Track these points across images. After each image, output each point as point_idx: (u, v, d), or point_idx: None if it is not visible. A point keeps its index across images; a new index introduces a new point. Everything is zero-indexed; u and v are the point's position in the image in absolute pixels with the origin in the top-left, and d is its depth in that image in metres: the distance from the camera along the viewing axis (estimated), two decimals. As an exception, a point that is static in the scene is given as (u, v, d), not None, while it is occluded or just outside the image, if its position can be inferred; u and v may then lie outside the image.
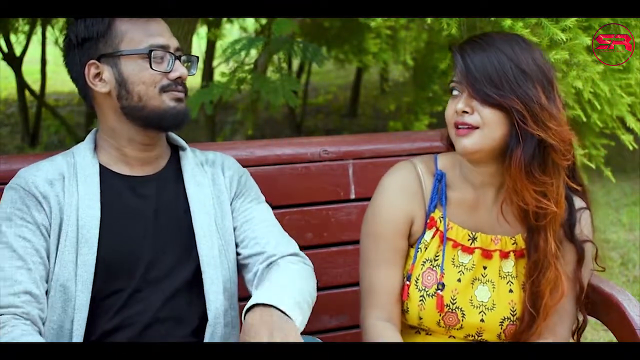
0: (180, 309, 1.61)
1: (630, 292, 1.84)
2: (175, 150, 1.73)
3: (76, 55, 1.62)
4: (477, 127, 1.56)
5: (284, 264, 1.62)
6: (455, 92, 1.61)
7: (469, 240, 1.68)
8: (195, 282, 1.63)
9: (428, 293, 1.66)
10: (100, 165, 1.64)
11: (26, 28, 6.04)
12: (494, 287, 1.67)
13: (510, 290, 1.68)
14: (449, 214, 1.69)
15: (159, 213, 1.63)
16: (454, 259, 1.68)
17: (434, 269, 1.67)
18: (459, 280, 1.67)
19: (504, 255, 1.69)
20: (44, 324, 1.51)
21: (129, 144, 1.63)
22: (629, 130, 2.39)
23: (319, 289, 2.03)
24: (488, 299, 1.67)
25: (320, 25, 5.38)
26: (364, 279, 1.71)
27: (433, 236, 1.68)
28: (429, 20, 2.07)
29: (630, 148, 2.45)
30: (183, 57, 1.65)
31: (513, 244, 1.69)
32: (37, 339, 1.43)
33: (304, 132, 7.43)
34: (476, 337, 1.69)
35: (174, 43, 1.62)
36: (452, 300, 1.66)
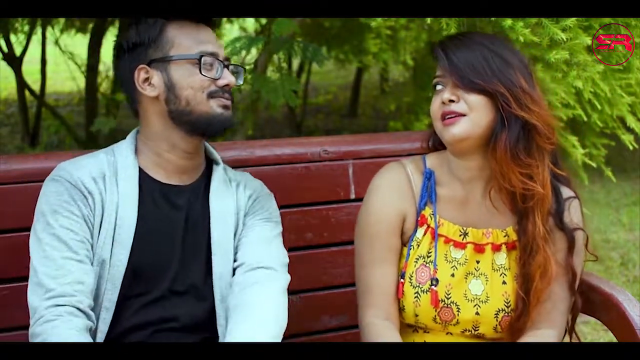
0: (198, 318, 1.62)
1: (630, 292, 1.84)
2: (210, 164, 1.74)
3: (126, 60, 1.65)
4: (464, 115, 1.60)
5: (254, 290, 1.59)
6: (439, 87, 1.66)
7: (460, 235, 1.70)
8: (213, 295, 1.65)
9: (422, 289, 1.67)
10: (139, 168, 1.65)
11: (26, 28, 6.04)
12: (487, 280, 1.69)
13: (504, 282, 1.69)
14: (440, 211, 1.71)
15: (188, 225, 1.65)
16: (446, 254, 1.69)
17: (427, 265, 1.68)
18: (453, 275, 1.68)
19: (496, 248, 1.70)
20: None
21: (172, 150, 1.65)
22: (629, 130, 2.39)
23: (319, 289, 2.05)
24: (482, 292, 1.68)
25: (320, 25, 5.38)
26: (360, 280, 1.72)
27: (425, 233, 1.70)
28: (428, 20, 2.07)
29: (631, 148, 2.45)
30: (231, 67, 1.68)
31: (504, 236, 1.71)
32: (83, 338, 1.44)
33: (304, 132, 7.42)
34: (473, 331, 1.69)
35: (222, 52, 1.66)
36: (446, 295, 1.67)
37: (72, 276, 1.50)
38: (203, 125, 1.61)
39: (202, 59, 1.60)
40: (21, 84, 6.37)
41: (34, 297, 1.49)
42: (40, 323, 1.45)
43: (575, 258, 1.69)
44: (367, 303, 1.70)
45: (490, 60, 1.60)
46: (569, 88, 2.06)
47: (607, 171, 2.51)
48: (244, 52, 2.92)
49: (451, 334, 1.71)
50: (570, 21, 1.91)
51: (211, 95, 1.61)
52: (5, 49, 5.93)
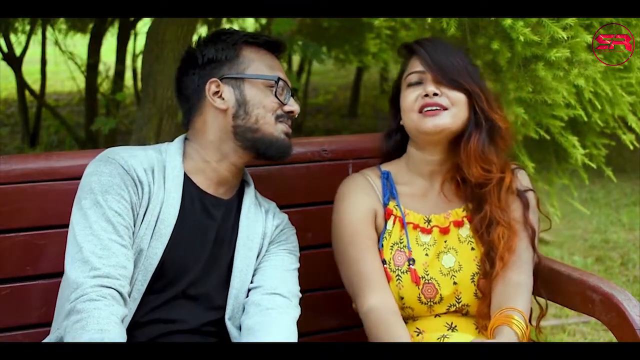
0: (204, 326, 1.64)
1: (630, 292, 1.84)
2: (242, 185, 1.77)
3: (196, 73, 1.70)
4: (447, 109, 1.73)
5: (272, 315, 1.63)
6: (416, 82, 1.76)
7: (425, 222, 1.83)
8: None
9: (402, 270, 1.77)
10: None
11: (26, 28, 6.04)
12: (456, 252, 1.80)
13: (472, 248, 1.81)
14: (403, 203, 1.84)
15: (217, 238, 1.68)
16: (417, 239, 1.81)
17: (402, 250, 1.79)
18: (427, 254, 1.80)
19: (459, 224, 1.83)
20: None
21: (220, 161, 1.68)
22: (630, 129, 2.38)
23: (319, 288, 2.04)
24: (454, 263, 1.79)
25: (320, 25, 5.39)
26: (350, 274, 1.78)
27: (394, 223, 1.82)
28: (429, 20, 2.07)
29: (631, 147, 2.44)
30: (295, 97, 1.75)
31: (463, 211, 1.84)
32: (118, 331, 1.44)
33: (304, 132, 7.44)
34: (457, 305, 1.77)
35: (289, 83, 1.73)
36: (425, 272, 1.77)
37: (116, 259, 1.51)
38: (264, 145, 1.67)
39: (279, 81, 1.68)
40: (21, 84, 6.38)
41: (77, 273, 1.48)
42: (83, 300, 1.44)
43: (532, 215, 1.82)
44: (361, 290, 1.75)
45: (464, 62, 1.76)
46: (570, 87, 2.06)
47: (607, 171, 2.51)
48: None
49: (439, 315, 1.78)
50: (571, 20, 1.91)
51: (278, 119, 1.69)
52: (5, 49, 5.93)
